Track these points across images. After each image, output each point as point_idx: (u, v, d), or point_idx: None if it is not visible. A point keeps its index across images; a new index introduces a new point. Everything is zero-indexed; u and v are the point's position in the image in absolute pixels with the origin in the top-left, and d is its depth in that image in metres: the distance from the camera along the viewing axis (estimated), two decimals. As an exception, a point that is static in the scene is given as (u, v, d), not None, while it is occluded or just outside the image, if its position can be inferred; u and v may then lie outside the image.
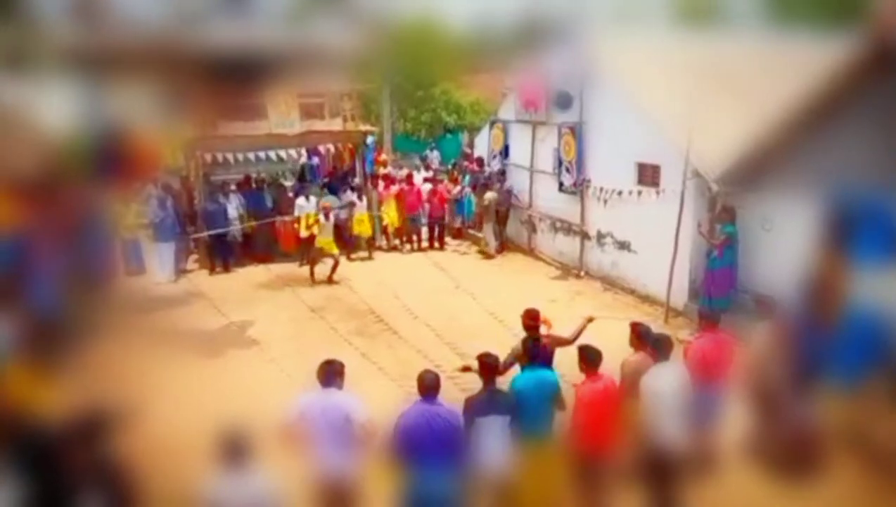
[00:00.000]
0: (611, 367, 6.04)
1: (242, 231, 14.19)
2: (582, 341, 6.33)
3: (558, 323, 7.14)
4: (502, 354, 6.23)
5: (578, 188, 13.25)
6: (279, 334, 10.65)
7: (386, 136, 20.33)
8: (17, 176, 6.73)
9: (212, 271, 13.85)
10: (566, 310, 10.98)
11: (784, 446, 6.47)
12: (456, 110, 24.81)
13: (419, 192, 15.63)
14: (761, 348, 6.78)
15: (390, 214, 15.35)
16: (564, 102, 13.16)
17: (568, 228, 13.90)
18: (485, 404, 5.47)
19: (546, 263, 14.45)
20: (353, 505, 5.56)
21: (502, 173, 15.48)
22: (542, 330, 6.56)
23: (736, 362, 6.56)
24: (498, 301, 11.53)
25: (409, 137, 24.96)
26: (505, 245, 15.31)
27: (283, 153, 14.57)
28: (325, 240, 13.21)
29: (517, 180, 15.30)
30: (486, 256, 15.00)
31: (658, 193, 11.41)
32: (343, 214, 14.44)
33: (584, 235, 13.42)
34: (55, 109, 6.42)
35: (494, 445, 5.43)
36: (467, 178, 16.74)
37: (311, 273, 13.19)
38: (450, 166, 19.73)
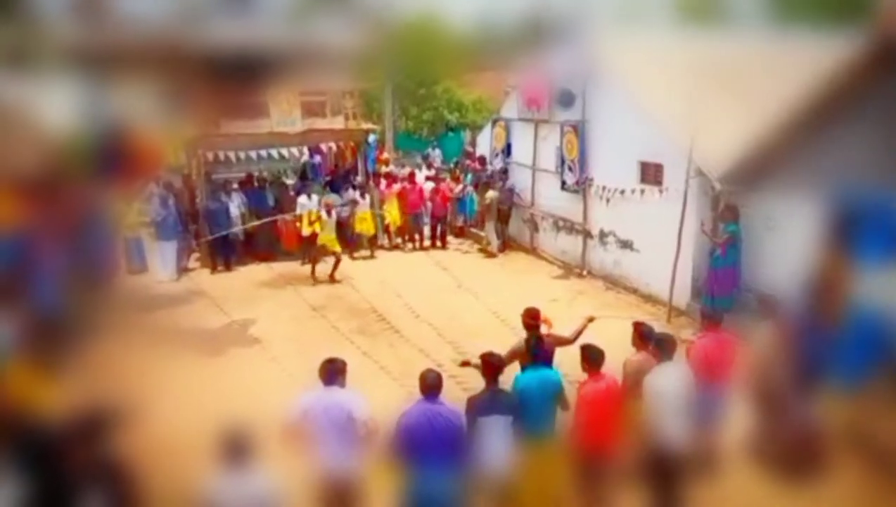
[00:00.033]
0: (613, 366, 6.02)
1: (244, 230, 14.18)
2: (584, 340, 6.31)
3: (560, 322, 7.12)
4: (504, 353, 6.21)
5: (581, 187, 13.23)
6: (281, 332, 10.64)
7: (388, 134, 20.32)
8: (19, 174, 6.73)
9: (213, 269, 13.85)
10: (568, 309, 10.97)
11: (787, 446, 6.46)
12: (458, 109, 24.81)
13: (421, 190, 15.62)
14: (764, 348, 6.76)
15: (392, 213, 15.34)
16: (567, 100, 13.14)
17: (570, 227, 13.88)
18: (487, 403, 5.45)
19: (548, 262, 14.43)
20: (355, 504, 5.55)
21: (504, 172, 15.46)
22: (543, 329, 6.54)
23: (738, 361, 6.54)
24: (500, 300, 11.52)
25: (411, 136, 24.96)
26: (507, 244, 15.30)
27: (284, 152, 14.58)
28: (328, 237, 13.20)
29: (519, 179, 15.28)
30: (488, 254, 14.99)
31: (661, 191, 11.38)
32: (345, 212, 14.44)
33: (587, 234, 13.40)
34: (57, 107, 6.41)
35: (496, 445, 5.41)
36: (469, 176, 16.72)
37: (313, 271, 13.19)
38: (452, 165, 19.72)
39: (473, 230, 16.18)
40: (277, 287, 12.96)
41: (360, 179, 15.47)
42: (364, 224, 14.80)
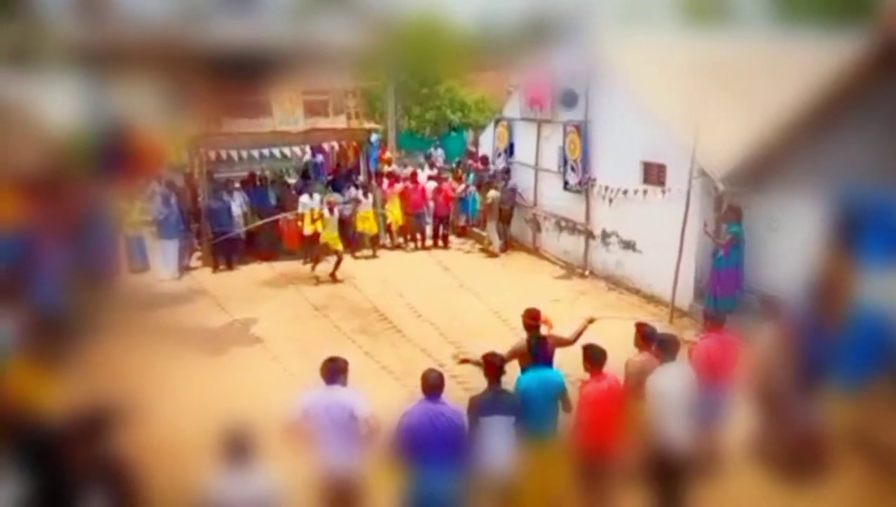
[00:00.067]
0: (615, 367, 6.01)
1: (246, 229, 14.18)
2: (585, 340, 6.30)
3: (562, 322, 7.11)
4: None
5: (583, 187, 13.21)
6: (282, 332, 10.64)
7: (390, 133, 20.29)
8: (21, 173, 6.73)
9: (215, 268, 13.86)
10: (570, 309, 10.96)
11: (789, 447, 6.44)
12: (461, 108, 24.77)
13: (423, 190, 15.62)
14: (767, 349, 6.75)
15: (394, 213, 15.34)
16: (570, 100, 13.13)
17: (572, 227, 13.86)
18: (489, 403, 5.44)
19: (550, 262, 14.41)
20: (357, 502, 5.54)
21: (507, 172, 15.45)
22: (543, 330, 6.54)
23: (741, 362, 6.53)
24: (502, 300, 11.50)
25: (413, 135, 24.92)
26: (509, 244, 15.28)
27: (287, 151, 14.60)
28: (330, 235, 13.20)
29: (522, 179, 15.26)
30: (490, 254, 14.98)
31: (663, 192, 11.36)
32: (347, 211, 14.43)
33: (589, 235, 13.39)
34: (59, 105, 6.41)
35: (498, 445, 5.40)
36: (471, 176, 16.72)
37: (313, 268, 13.19)
38: (454, 165, 19.70)
39: (475, 230, 16.17)
40: (279, 286, 12.96)
41: (362, 178, 15.47)
42: (366, 223, 14.79)
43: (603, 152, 12.77)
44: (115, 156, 6.99)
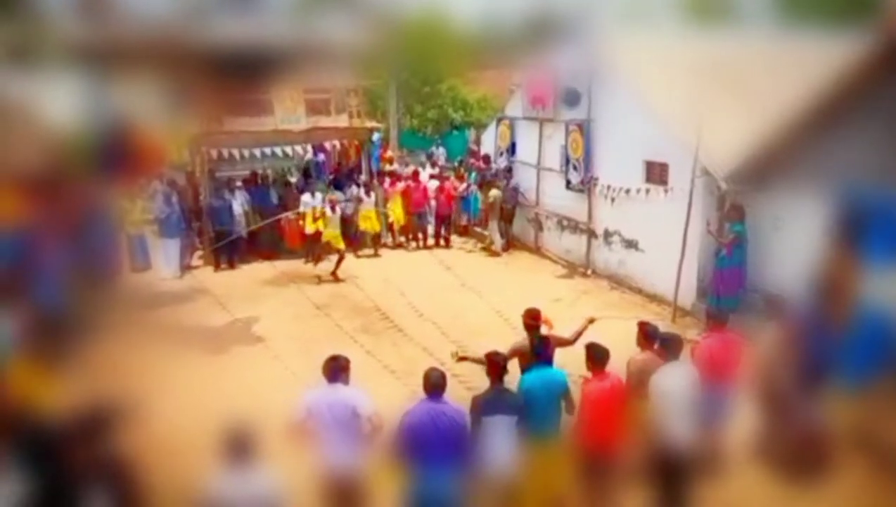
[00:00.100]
0: (617, 366, 6.00)
1: (247, 228, 14.18)
2: (588, 339, 6.28)
3: (564, 322, 7.10)
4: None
5: (586, 186, 13.20)
6: (284, 331, 10.63)
7: (392, 132, 20.25)
8: (22, 171, 6.72)
9: (217, 267, 13.85)
10: (572, 309, 10.94)
11: (792, 446, 6.43)
12: (463, 107, 24.73)
13: (425, 189, 15.60)
14: (769, 348, 6.74)
15: (396, 212, 15.32)
16: (572, 99, 13.11)
17: (575, 227, 13.84)
18: (492, 403, 5.43)
19: (552, 261, 14.40)
20: (360, 500, 5.54)
21: (509, 171, 15.43)
22: (543, 330, 6.53)
23: (744, 362, 6.51)
24: (504, 299, 11.48)
25: (415, 134, 24.88)
26: (511, 243, 15.27)
27: (288, 149, 14.58)
28: (332, 234, 13.19)
29: (524, 178, 15.24)
30: (492, 254, 14.95)
31: (666, 191, 11.34)
32: (349, 209, 14.42)
33: (591, 234, 13.37)
34: (60, 104, 6.39)
35: (501, 444, 5.39)
36: (473, 175, 16.70)
37: (315, 265, 13.17)
38: (456, 163, 19.68)
39: (477, 229, 16.16)
40: (281, 285, 12.95)
41: (364, 177, 15.45)
42: (368, 222, 14.78)
43: (605, 151, 12.75)
44: (116, 154, 6.98)
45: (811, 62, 8.94)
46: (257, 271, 13.82)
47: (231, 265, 13.94)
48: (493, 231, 15.04)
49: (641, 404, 5.85)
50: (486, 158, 16.50)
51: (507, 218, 15.14)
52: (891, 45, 7.72)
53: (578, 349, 6.19)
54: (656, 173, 11.68)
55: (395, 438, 5.23)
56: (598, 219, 13.18)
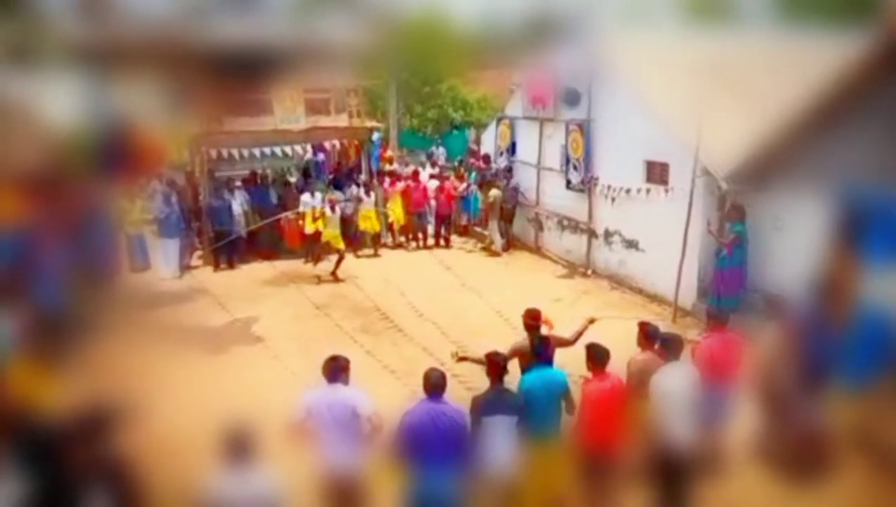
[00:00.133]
0: (617, 366, 5.99)
1: (247, 228, 14.17)
2: (588, 340, 6.28)
3: (564, 322, 7.10)
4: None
5: (586, 186, 13.19)
6: (283, 331, 10.62)
7: (392, 132, 20.25)
8: (22, 171, 6.71)
9: (216, 267, 13.84)
10: (572, 309, 10.94)
11: (792, 446, 6.43)
12: (463, 107, 24.71)
13: (425, 189, 15.59)
14: (770, 349, 6.73)
15: (396, 212, 15.31)
16: (572, 98, 13.10)
17: (575, 227, 13.83)
18: (492, 403, 5.42)
19: (553, 261, 14.39)
20: (360, 501, 5.53)
21: (509, 171, 15.41)
22: (543, 330, 6.52)
23: (744, 362, 6.51)
24: (504, 299, 11.48)
25: (415, 134, 24.86)
26: (511, 243, 15.26)
27: (288, 149, 14.57)
28: (332, 233, 13.18)
29: (524, 178, 15.23)
30: (492, 253, 14.94)
31: (667, 191, 11.33)
32: (349, 209, 14.41)
33: (592, 234, 13.36)
34: (60, 104, 6.39)
35: (501, 445, 5.38)
36: (473, 175, 16.68)
37: (315, 265, 13.15)
38: (456, 163, 19.67)
39: (477, 229, 16.14)
40: (280, 285, 12.94)
41: (363, 177, 15.44)
42: (368, 222, 14.76)
43: (606, 151, 12.74)
44: (116, 154, 6.97)
45: (811, 62, 8.94)
46: (257, 270, 13.81)
47: (230, 265, 13.92)
48: (494, 231, 15.03)
49: (642, 404, 5.85)
50: (486, 158, 16.49)
51: (507, 218, 15.12)
52: (891, 44, 7.71)
53: (579, 349, 6.18)
54: (657, 173, 11.67)
55: (395, 438, 5.23)
56: (599, 219, 13.17)
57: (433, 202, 15.60)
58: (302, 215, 13.83)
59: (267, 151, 14.22)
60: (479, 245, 15.55)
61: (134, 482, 4.85)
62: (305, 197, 14.04)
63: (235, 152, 13.89)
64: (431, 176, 16.68)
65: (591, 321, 6.90)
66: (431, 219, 15.71)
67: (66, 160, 6.57)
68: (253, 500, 4.64)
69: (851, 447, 6.53)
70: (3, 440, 4.85)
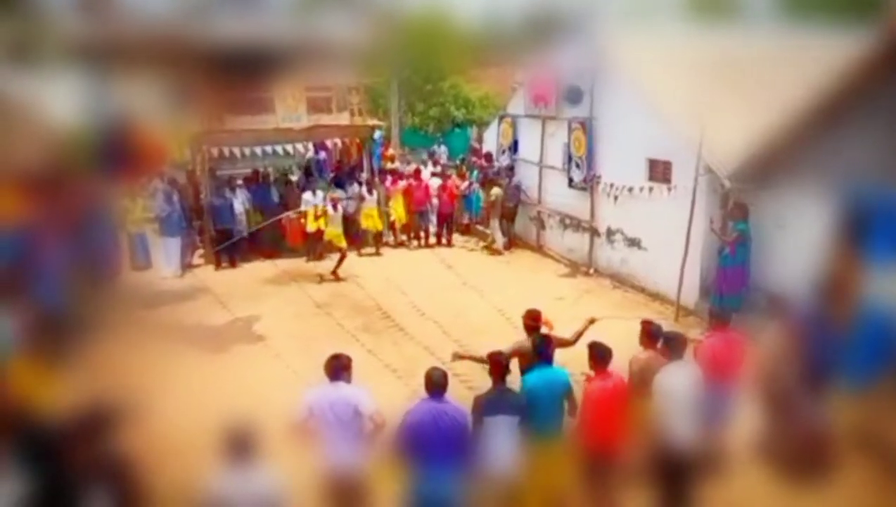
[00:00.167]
0: (619, 366, 5.98)
1: (248, 226, 14.15)
2: (590, 339, 6.26)
3: (566, 321, 7.08)
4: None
5: (588, 184, 13.16)
6: (285, 329, 10.61)
7: (394, 130, 20.25)
8: (23, 169, 6.71)
9: (218, 266, 13.82)
10: (574, 308, 10.92)
11: (795, 446, 6.41)
12: (465, 105, 24.68)
13: (427, 187, 15.56)
14: (772, 348, 6.72)
15: (397, 210, 15.29)
16: (575, 96, 13.07)
17: (577, 225, 13.81)
18: (494, 403, 5.41)
19: (555, 260, 14.36)
20: (361, 499, 5.52)
21: (511, 169, 15.38)
22: (543, 331, 6.50)
23: (747, 361, 6.49)
24: (505, 298, 11.46)
25: (416, 132, 24.83)
26: (513, 242, 15.23)
27: (289, 147, 14.52)
28: (334, 232, 13.16)
29: (526, 176, 15.20)
30: (494, 252, 14.92)
31: (669, 189, 11.30)
32: (351, 207, 14.39)
33: (594, 232, 13.33)
34: (61, 102, 6.38)
35: (502, 445, 5.37)
36: (475, 173, 16.66)
37: (317, 261, 13.14)
38: (458, 161, 19.64)
39: (479, 228, 16.12)
40: (282, 284, 12.93)
41: (365, 175, 15.42)
42: (370, 220, 14.74)
43: (608, 149, 12.71)
44: (117, 153, 6.97)
45: (814, 60, 8.91)
46: (258, 269, 13.80)
47: (232, 264, 13.91)
48: (495, 230, 15.01)
49: (644, 403, 5.83)
50: (488, 156, 16.46)
51: (509, 216, 15.10)
52: (894, 42, 7.68)
53: (581, 349, 6.16)
54: (659, 171, 11.64)
55: (396, 437, 5.21)
56: (601, 217, 13.14)
57: (435, 201, 15.57)
58: (304, 214, 13.82)
59: (268, 149, 14.19)
60: (481, 244, 15.53)
61: (134, 481, 4.85)
62: (307, 195, 14.03)
63: (237, 151, 13.87)
64: (433, 174, 16.65)
65: (592, 322, 6.89)
66: (433, 217, 15.69)
67: (67, 159, 6.56)
68: (254, 499, 4.64)
69: (854, 446, 6.52)
70: (4, 439, 4.84)
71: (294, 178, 16.48)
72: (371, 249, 14.87)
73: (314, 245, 13.65)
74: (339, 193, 14.07)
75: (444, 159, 21.03)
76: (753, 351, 6.62)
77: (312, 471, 5.47)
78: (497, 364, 5.56)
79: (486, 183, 15.64)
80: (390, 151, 19.82)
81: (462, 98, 24.73)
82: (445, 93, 24.58)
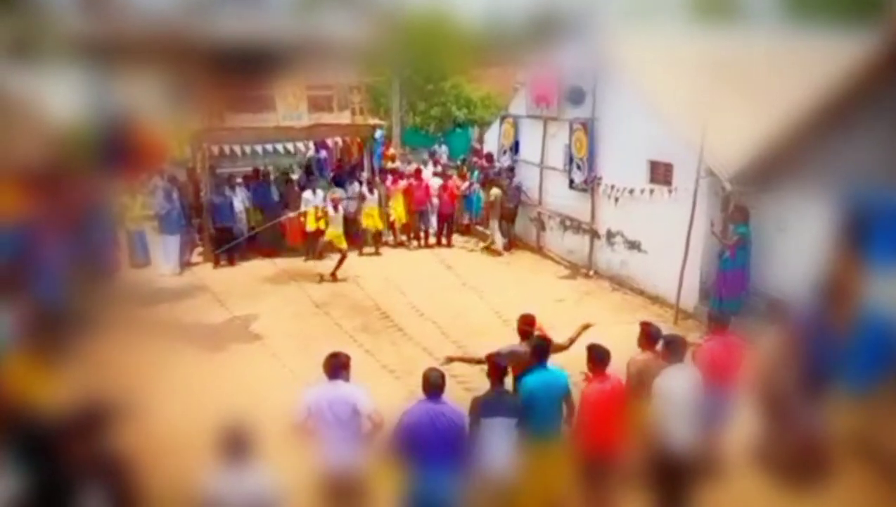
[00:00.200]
0: (617, 369, 5.96)
1: (248, 225, 14.13)
2: (588, 341, 6.24)
3: (565, 323, 7.07)
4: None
5: (589, 186, 13.14)
6: (283, 329, 10.60)
7: (395, 129, 20.24)
8: (23, 166, 6.71)
9: (216, 264, 13.81)
10: (574, 310, 10.91)
11: (793, 451, 6.40)
12: (466, 105, 24.66)
13: (427, 187, 15.53)
14: (772, 352, 6.69)
15: (398, 210, 15.26)
16: (576, 97, 13.05)
17: (577, 227, 13.79)
18: (491, 405, 5.40)
19: (554, 261, 14.34)
20: (359, 498, 5.52)
21: (512, 169, 15.36)
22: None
23: (746, 365, 6.47)
24: (505, 300, 11.44)
25: (417, 131, 24.82)
26: (513, 243, 15.21)
27: (290, 146, 14.50)
28: (335, 233, 13.14)
29: (527, 177, 15.19)
30: (494, 253, 14.90)
31: (670, 191, 11.29)
32: (352, 207, 14.37)
33: (594, 234, 13.31)
34: (62, 98, 6.38)
35: (499, 447, 5.36)
36: (476, 173, 16.64)
37: (317, 260, 13.13)
38: (459, 162, 19.62)
39: (479, 228, 16.10)
40: (280, 283, 12.91)
41: (366, 174, 15.41)
42: (370, 220, 14.72)
43: (609, 151, 12.70)
44: (117, 150, 6.97)
45: (817, 62, 8.89)
46: (257, 268, 13.78)
47: (231, 262, 13.89)
48: (495, 230, 14.98)
49: (641, 405, 5.82)
50: (489, 157, 16.44)
51: (509, 217, 15.07)
52: (897, 46, 7.67)
53: (578, 350, 6.15)
54: (660, 173, 11.62)
55: (393, 437, 5.21)
56: (601, 219, 13.12)
57: (435, 201, 15.54)
58: (304, 214, 13.80)
59: (269, 147, 14.18)
60: (481, 245, 15.50)
61: (131, 478, 4.84)
62: (307, 194, 14.01)
63: (237, 149, 13.86)
64: (434, 174, 16.63)
65: (586, 327, 6.87)
66: (433, 218, 15.66)
67: (68, 156, 6.57)
68: (250, 498, 4.63)
69: (851, 452, 6.51)
70: (0, 436, 4.84)
71: (294, 176, 16.45)
72: (370, 249, 14.84)
73: (314, 245, 13.64)
74: (339, 192, 14.05)
75: (444, 159, 21.01)
76: (752, 355, 6.60)
77: (310, 470, 5.46)
78: (495, 366, 5.55)
79: (487, 183, 15.61)
80: (391, 151, 19.80)
81: (463, 98, 24.72)
82: (447, 92, 24.56)
